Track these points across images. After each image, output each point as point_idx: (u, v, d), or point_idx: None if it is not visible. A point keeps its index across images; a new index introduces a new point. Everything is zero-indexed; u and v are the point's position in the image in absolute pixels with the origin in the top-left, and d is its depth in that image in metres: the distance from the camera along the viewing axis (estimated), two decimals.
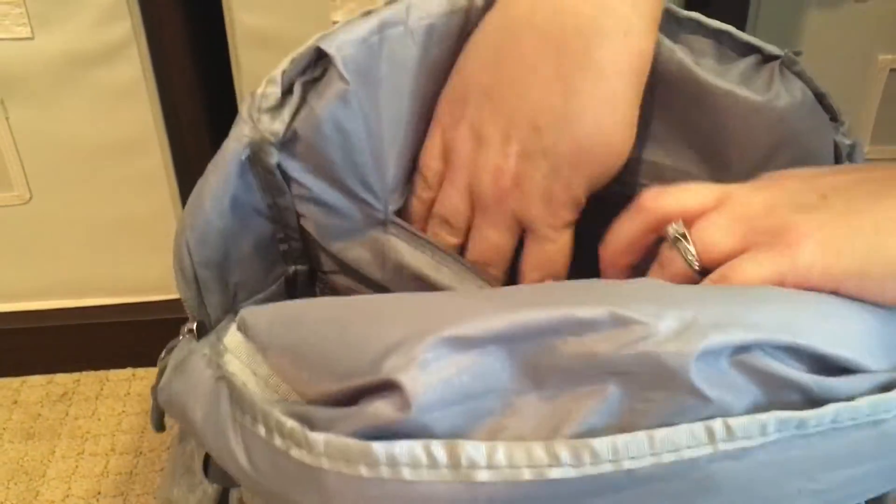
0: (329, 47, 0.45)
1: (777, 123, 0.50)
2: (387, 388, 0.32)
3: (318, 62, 0.47)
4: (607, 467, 0.31)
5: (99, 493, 0.85)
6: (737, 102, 0.50)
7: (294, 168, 0.47)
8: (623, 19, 0.46)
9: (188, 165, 0.89)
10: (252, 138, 0.45)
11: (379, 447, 0.31)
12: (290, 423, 0.33)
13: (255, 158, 0.46)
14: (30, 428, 0.91)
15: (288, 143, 0.46)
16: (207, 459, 0.47)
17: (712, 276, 0.40)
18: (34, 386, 0.96)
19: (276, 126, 0.46)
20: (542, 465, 0.31)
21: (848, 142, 0.50)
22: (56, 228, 0.91)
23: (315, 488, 0.32)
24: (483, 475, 0.31)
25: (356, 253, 0.50)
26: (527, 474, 0.31)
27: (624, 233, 0.45)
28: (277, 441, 0.33)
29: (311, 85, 0.46)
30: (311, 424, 0.32)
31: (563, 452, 0.31)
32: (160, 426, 0.48)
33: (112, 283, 0.95)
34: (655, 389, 0.32)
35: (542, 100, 0.47)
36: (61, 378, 0.96)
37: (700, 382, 0.32)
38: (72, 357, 0.96)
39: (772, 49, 0.51)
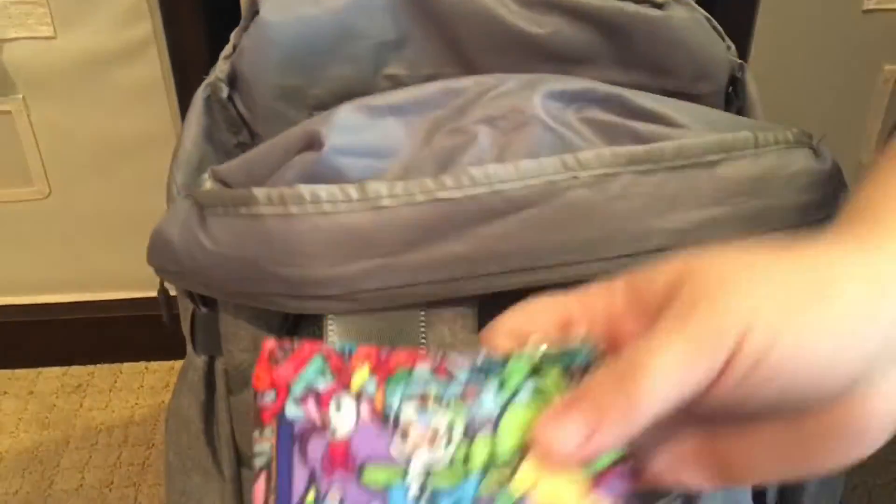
0: None
1: (679, 34, 0.58)
2: (310, 143, 0.40)
3: None
4: (483, 189, 0.38)
5: (112, 483, 0.91)
6: (645, 19, 0.57)
7: (239, 100, 0.57)
8: None
9: None
10: (209, 80, 0.56)
11: (304, 188, 0.38)
12: (239, 191, 0.40)
13: (213, 96, 0.56)
14: (45, 419, 0.98)
15: (233, 80, 0.57)
16: (193, 332, 0.54)
17: None
18: (49, 377, 1.02)
19: (226, 67, 0.57)
20: (431, 189, 0.38)
21: (738, 60, 0.57)
22: (74, 223, 0.99)
23: (261, 237, 0.39)
24: (386, 202, 0.38)
25: None
26: (420, 197, 0.38)
27: None
28: (230, 209, 0.41)
29: None
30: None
31: (447, 179, 0.39)
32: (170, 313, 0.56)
33: (128, 278, 1.02)
34: (515, 130, 0.41)
35: None
36: (76, 370, 1.03)
37: (549, 120, 0.41)
38: (86, 350, 1.03)
39: None
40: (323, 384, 0.27)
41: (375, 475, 0.26)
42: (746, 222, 0.41)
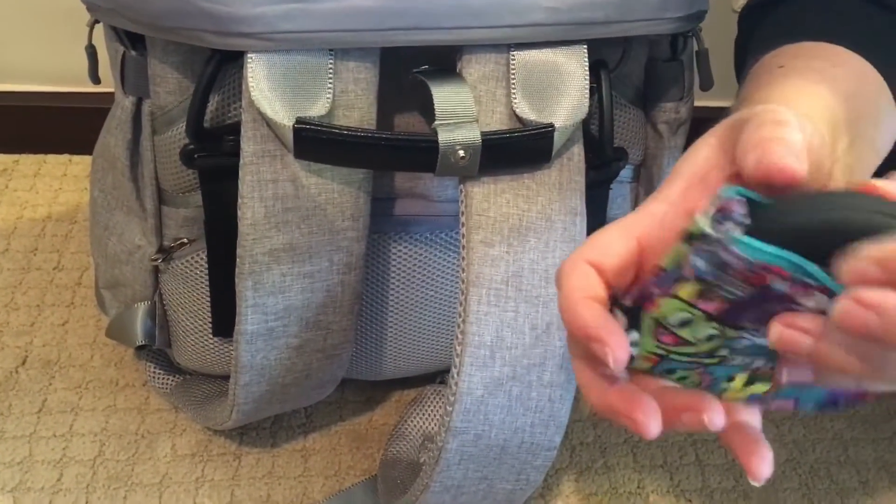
0: None
1: None
2: None
3: None
4: None
5: (36, 248, 0.91)
6: None
7: None
8: None
9: None
10: None
11: None
12: None
13: None
14: None
15: None
16: (123, 74, 0.54)
17: None
18: None
19: None
20: None
21: None
22: (3, 14, 0.95)
23: None
24: None
25: None
26: None
27: None
28: None
29: None
30: None
31: None
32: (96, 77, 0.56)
33: (53, 72, 0.98)
34: None
35: None
36: (1, 158, 1.02)
37: None
38: (10, 139, 1.00)
39: None
40: None
41: None
42: (614, 8, 0.44)
